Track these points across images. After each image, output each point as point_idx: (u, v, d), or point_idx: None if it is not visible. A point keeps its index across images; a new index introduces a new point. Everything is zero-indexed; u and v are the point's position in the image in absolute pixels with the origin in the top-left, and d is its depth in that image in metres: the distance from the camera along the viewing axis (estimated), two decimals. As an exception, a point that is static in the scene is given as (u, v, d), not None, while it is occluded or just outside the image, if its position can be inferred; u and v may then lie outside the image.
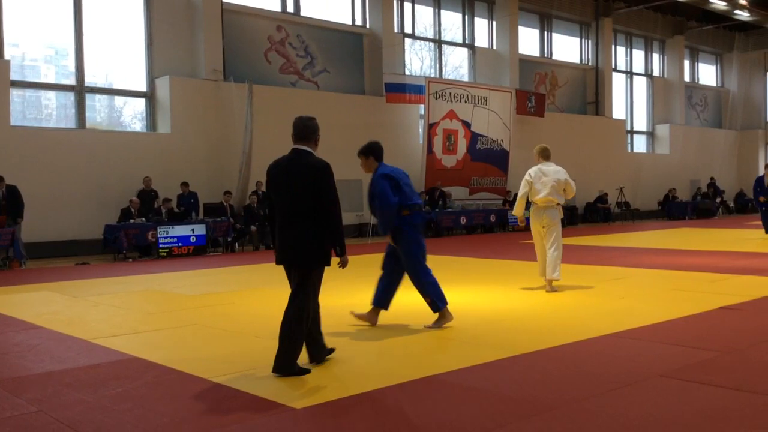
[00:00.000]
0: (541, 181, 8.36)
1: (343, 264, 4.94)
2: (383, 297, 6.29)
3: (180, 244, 13.93)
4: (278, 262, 4.89)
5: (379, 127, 19.15)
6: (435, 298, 6.12)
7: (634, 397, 4.07)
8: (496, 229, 20.32)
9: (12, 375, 4.85)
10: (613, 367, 4.77)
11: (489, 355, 5.07)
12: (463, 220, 19.39)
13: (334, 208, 4.74)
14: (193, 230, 14.16)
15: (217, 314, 7.16)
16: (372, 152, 6.22)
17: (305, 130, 4.87)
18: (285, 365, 4.63)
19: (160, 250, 13.65)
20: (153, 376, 4.77)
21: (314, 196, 4.69)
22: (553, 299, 7.72)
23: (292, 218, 4.74)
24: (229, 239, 15.16)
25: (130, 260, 13.46)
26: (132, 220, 13.99)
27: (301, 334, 4.72)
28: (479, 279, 9.55)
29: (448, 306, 6.19)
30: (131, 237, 13.56)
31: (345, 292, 8.42)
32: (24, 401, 4.20)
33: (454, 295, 8.05)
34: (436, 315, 6.15)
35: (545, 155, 8.67)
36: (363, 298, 7.90)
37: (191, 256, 13.85)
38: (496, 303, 7.57)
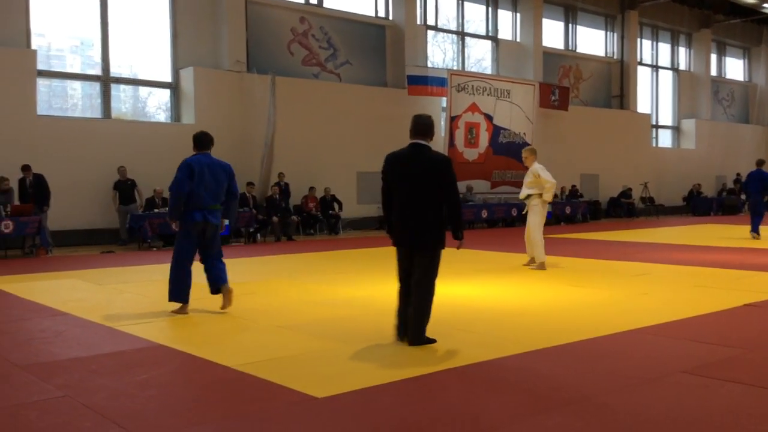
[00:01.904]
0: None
1: (460, 246, 5.41)
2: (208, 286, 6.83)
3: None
4: (398, 245, 5.36)
5: (401, 119, 19.08)
6: (171, 288, 6.62)
7: (655, 394, 4.05)
8: (517, 223, 20.23)
9: (39, 360, 4.94)
10: (634, 363, 4.75)
11: (509, 349, 5.07)
12: (484, 214, 19.34)
13: (456, 197, 5.26)
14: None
15: (239, 303, 7.21)
16: (192, 141, 6.90)
17: (424, 127, 5.33)
18: (419, 337, 5.20)
19: (184, 240, 13.75)
20: (177, 363, 4.84)
21: (437, 186, 5.16)
22: (574, 294, 7.69)
23: (414, 206, 5.19)
24: (251, 230, 15.26)
25: (154, 249, 13.61)
26: (156, 210, 14.13)
27: (430, 310, 5.25)
28: (499, 273, 9.53)
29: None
30: (155, 226, 13.70)
31: (365, 283, 8.46)
32: (51, 386, 4.28)
33: (473, 288, 8.05)
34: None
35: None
36: (384, 288, 7.93)
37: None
38: (516, 297, 7.55)
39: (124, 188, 14.57)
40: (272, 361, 4.85)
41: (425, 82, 19.59)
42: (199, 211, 6.65)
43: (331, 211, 17.39)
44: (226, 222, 7.09)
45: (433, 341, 5.25)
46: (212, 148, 7.02)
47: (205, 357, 4.92)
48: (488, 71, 22.68)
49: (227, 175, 6.86)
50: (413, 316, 5.23)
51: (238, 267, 10.66)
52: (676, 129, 29.54)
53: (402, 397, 4.07)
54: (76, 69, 16.02)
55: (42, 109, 14.75)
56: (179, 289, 6.63)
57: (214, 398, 4.08)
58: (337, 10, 19.18)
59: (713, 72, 30.30)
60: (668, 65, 29.05)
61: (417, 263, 5.26)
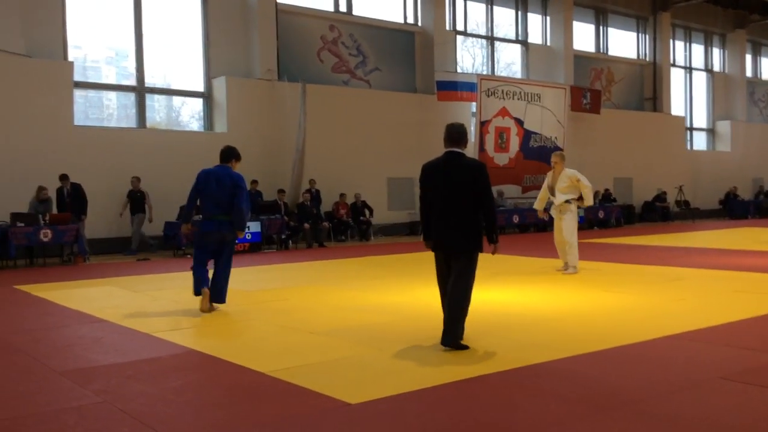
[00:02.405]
0: None
1: (495, 250, 5.49)
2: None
3: (236, 241, 14.13)
4: (437, 249, 5.44)
5: (431, 125, 19.08)
6: (194, 285, 7.19)
7: (694, 400, 3.99)
8: (549, 228, 20.04)
9: (78, 366, 5.03)
10: (671, 369, 4.68)
11: (545, 356, 5.03)
12: (515, 219, 19.22)
13: (491, 202, 5.37)
14: (248, 227, 14.37)
15: (272, 310, 7.28)
16: None
17: (458, 135, 5.46)
18: (453, 339, 5.23)
19: (217, 247, 13.89)
20: (212, 369, 4.89)
21: (473, 191, 5.28)
22: (609, 300, 7.60)
23: (452, 211, 5.31)
24: (283, 237, 15.36)
25: (189, 256, 13.76)
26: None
27: (466, 313, 5.33)
28: (533, 278, 9.45)
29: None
30: (190, 234, 13.84)
31: (397, 289, 8.46)
32: (89, 392, 4.35)
33: (507, 294, 7.99)
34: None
35: None
36: (416, 294, 7.93)
37: (246, 253, 14.08)
38: (551, 302, 7.49)
39: (135, 198, 14.53)
40: (305, 367, 4.88)
41: (455, 88, 19.57)
42: (208, 221, 7.14)
43: (362, 217, 17.44)
44: (243, 234, 7.48)
45: (466, 348, 5.24)
46: (238, 161, 7.38)
47: (239, 363, 4.97)
48: (518, 75, 22.58)
49: (233, 186, 7.08)
50: (447, 319, 5.28)
51: (270, 274, 10.75)
52: (711, 131, 29.06)
53: (436, 403, 4.06)
54: (112, 80, 16.33)
55: (79, 119, 15.04)
56: (196, 285, 7.16)
57: (248, 404, 4.11)
58: (367, 18, 19.27)
59: (748, 73, 29.78)
60: (702, 67, 28.62)
61: (454, 267, 5.35)
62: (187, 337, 5.91)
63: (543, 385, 4.36)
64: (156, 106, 16.93)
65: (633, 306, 7.15)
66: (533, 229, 19.98)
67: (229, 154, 7.28)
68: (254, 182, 15.87)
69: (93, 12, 15.59)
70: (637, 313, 6.79)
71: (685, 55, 28.00)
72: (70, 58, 15.01)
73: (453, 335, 5.24)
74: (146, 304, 7.92)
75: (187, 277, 10.21)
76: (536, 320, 6.46)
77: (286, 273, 10.89)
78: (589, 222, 20.29)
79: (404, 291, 8.37)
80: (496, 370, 4.65)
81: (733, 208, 25.78)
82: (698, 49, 28.49)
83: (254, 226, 14.47)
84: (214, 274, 7.22)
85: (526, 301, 7.53)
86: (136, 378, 4.65)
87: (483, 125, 19.95)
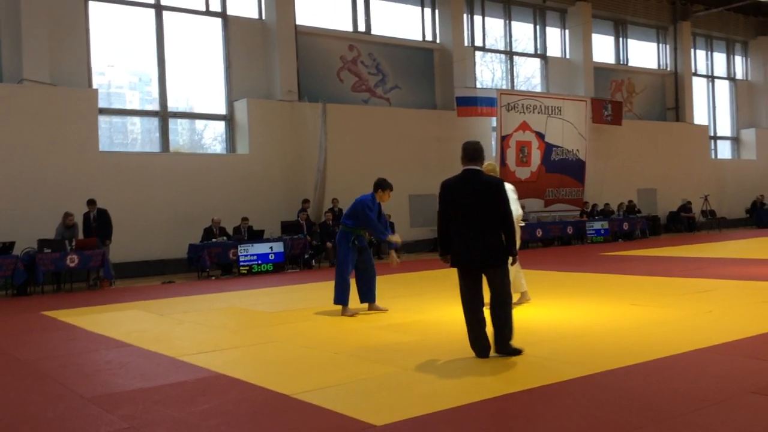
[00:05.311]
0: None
1: (514, 261, 5.75)
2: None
3: (259, 262, 14.25)
4: (465, 266, 5.51)
5: (451, 141, 19.09)
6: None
7: (725, 415, 3.91)
8: (573, 241, 19.92)
9: (105, 392, 5.07)
10: (701, 383, 4.60)
11: (571, 372, 4.97)
12: (538, 233, 19.11)
13: (510, 217, 5.48)
14: (271, 248, 14.47)
15: (296, 331, 7.29)
16: None
17: (475, 152, 5.57)
18: (505, 345, 5.47)
19: (241, 268, 14.00)
20: (237, 392, 4.90)
21: (493, 207, 5.41)
22: (636, 313, 7.50)
23: (475, 228, 5.43)
24: (306, 256, 15.41)
25: (213, 278, 13.86)
26: (214, 239, 14.41)
27: (511, 317, 5.52)
28: (558, 293, 9.37)
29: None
30: (214, 255, 13.98)
31: (421, 307, 8.44)
32: (116, 417, 4.38)
33: (533, 310, 7.93)
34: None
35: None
36: (439, 313, 7.90)
37: (270, 273, 14.15)
38: (576, 317, 7.41)
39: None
40: (330, 388, 4.87)
41: (474, 103, 19.60)
42: None
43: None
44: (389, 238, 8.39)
45: (519, 352, 5.46)
46: (383, 190, 8.18)
47: (264, 385, 4.98)
48: (538, 89, 22.56)
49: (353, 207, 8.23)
50: (498, 326, 5.46)
51: (294, 294, 10.78)
52: (736, 139, 28.73)
53: (462, 423, 4.02)
54: (135, 105, 16.58)
55: (104, 145, 15.28)
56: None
57: (274, 426, 4.11)
58: (385, 36, 19.40)
59: (773, 79, 29.44)
60: (724, 75, 28.36)
61: (491, 279, 5.49)
62: (213, 361, 5.93)
63: (571, 402, 4.31)
64: (179, 130, 17.15)
65: (660, 319, 7.05)
66: (557, 243, 19.84)
67: (374, 186, 8.19)
68: (305, 201, 16.17)
69: (116, 39, 15.88)
70: (664, 326, 6.69)
71: (707, 64, 27.78)
72: (95, 86, 15.28)
73: (506, 342, 5.45)
74: (172, 327, 7.97)
75: (211, 299, 10.33)
76: (562, 335, 6.40)
77: (310, 293, 10.90)
78: (613, 234, 20.10)
79: (428, 310, 8.34)
80: (523, 388, 4.61)
81: (761, 217, 25.43)
82: (720, 57, 28.26)
83: (277, 247, 14.54)
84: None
85: (550, 316, 7.46)
86: (162, 403, 4.68)
87: (504, 140, 19.92)
